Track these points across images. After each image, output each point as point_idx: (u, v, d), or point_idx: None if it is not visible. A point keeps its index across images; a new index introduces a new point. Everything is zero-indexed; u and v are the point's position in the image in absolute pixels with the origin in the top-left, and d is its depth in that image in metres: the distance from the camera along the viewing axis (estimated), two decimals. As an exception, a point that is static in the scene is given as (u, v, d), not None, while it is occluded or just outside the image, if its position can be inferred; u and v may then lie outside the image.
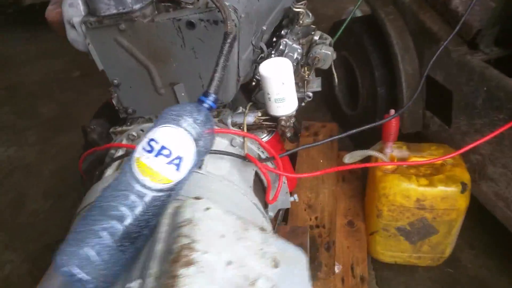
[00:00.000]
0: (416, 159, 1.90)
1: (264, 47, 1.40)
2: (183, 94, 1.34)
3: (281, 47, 1.63)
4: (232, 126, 1.43)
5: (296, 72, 1.67)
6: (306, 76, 1.63)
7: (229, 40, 1.03)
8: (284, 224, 1.84)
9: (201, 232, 0.78)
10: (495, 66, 1.88)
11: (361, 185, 2.26)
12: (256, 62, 1.46)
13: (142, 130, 1.37)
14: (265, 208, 1.50)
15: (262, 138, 1.49)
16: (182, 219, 0.81)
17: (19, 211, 2.56)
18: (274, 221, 1.90)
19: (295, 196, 1.54)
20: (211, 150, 1.26)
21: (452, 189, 1.80)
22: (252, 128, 1.45)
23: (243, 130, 1.38)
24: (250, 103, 1.49)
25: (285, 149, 1.69)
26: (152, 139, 0.88)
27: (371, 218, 1.99)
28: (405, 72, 2.24)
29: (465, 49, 2.00)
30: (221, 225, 0.83)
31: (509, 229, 1.90)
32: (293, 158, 2.19)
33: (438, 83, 2.13)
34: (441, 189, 1.80)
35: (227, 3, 1.17)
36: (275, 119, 1.40)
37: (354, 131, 1.53)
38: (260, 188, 1.45)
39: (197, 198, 0.87)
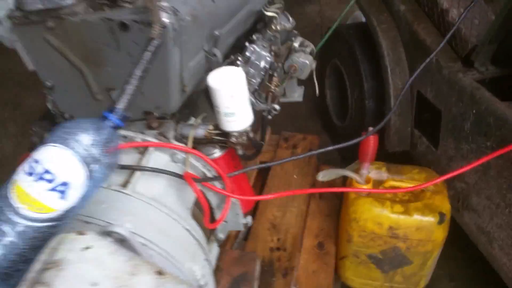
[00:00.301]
0: (394, 183, 1.75)
1: (218, 54, 1.27)
2: (122, 101, 1.21)
3: (247, 53, 1.49)
4: (180, 139, 1.30)
5: (263, 82, 1.53)
6: (273, 87, 1.49)
7: (151, 47, 0.90)
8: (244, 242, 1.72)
9: (65, 279, 0.66)
10: (489, 87, 1.71)
11: (339, 203, 2.11)
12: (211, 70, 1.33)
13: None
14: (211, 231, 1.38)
15: (212, 154, 1.36)
16: (50, 260, 0.69)
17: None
18: (233, 238, 1.77)
19: (248, 218, 1.41)
20: (142, 166, 1.14)
21: (428, 219, 1.64)
22: (202, 142, 1.32)
23: (187, 144, 1.25)
24: (204, 115, 1.35)
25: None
26: (35, 160, 0.76)
27: (342, 242, 1.84)
28: (394, 86, 2.08)
29: (458, 66, 1.83)
30: (99, 269, 0.70)
31: (492, 265, 1.74)
32: (265, 170, 2.05)
33: (428, 100, 1.97)
34: (416, 218, 1.64)
35: (165, 4, 1.04)
36: (227, 134, 1.27)
37: (327, 148, 1.40)
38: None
39: (80, 233, 0.75)
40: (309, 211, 1.96)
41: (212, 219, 1.35)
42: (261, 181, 2.05)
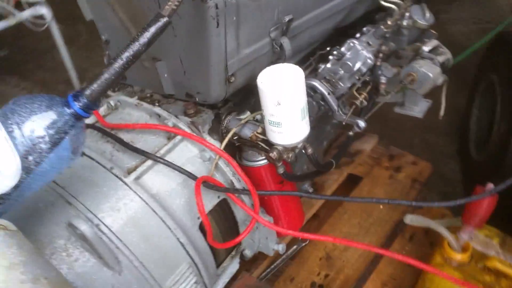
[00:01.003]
0: (501, 267, 1.27)
1: (287, 45, 0.99)
2: (165, 75, 1.05)
3: (343, 48, 1.17)
4: (224, 132, 1.10)
5: (355, 88, 1.20)
6: (360, 98, 1.15)
7: (152, 27, 0.69)
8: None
9: None
10: None
11: (432, 253, 1.68)
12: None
13: (119, 102, 1.15)
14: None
15: (256, 161, 1.12)
16: None
17: None
18: (278, 256, 1.53)
19: (281, 246, 1.16)
20: (155, 156, 0.98)
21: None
22: (247, 144, 1.09)
23: (222, 143, 1.04)
24: (260, 112, 1.11)
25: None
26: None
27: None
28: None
29: None
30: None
31: None
32: (355, 179, 1.70)
33: None
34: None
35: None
36: (270, 145, 1.01)
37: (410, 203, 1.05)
38: (228, 220, 1.12)
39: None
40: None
41: (236, 233, 1.14)
42: (345, 191, 1.72)
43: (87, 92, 0.66)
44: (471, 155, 2.17)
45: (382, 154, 1.86)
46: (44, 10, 2.77)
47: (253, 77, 1.04)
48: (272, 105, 0.91)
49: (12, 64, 3.66)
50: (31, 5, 2.76)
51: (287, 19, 0.95)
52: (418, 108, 1.63)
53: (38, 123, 0.64)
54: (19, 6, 2.74)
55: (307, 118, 0.97)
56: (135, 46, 0.68)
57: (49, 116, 0.65)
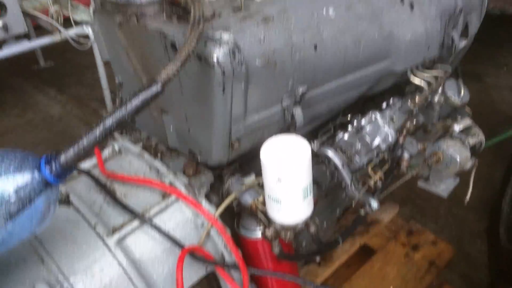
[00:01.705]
0: None
1: (299, 116, 0.92)
2: (171, 128, 1.01)
3: (362, 121, 1.09)
4: (224, 194, 1.03)
5: (372, 164, 1.11)
6: (376, 178, 1.05)
7: (140, 95, 0.64)
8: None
9: None
10: None
11: None
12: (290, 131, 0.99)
13: (123, 147, 1.11)
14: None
15: (253, 231, 1.04)
16: None
17: None
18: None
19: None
20: (142, 218, 0.91)
21: None
22: (246, 211, 1.02)
23: (219, 207, 0.97)
24: (266, 178, 1.04)
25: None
26: None
27: None
28: None
29: None
30: None
31: None
32: (368, 251, 1.58)
33: None
34: None
35: (225, 36, 0.76)
36: (269, 219, 0.94)
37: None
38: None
39: None
40: None
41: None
42: (356, 264, 1.60)
43: (62, 158, 0.61)
44: (501, 240, 1.99)
45: (400, 227, 1.73)
46: (89, 30, 2.86)
47: (261, 143, 0.97)
48: (273, 181, 0.83)
49: (54, 76, 3.78)
50: (77, 23, 2.86)
51: (301, 90, 0.89)
52: (443, 186, 1.51)
53: (2, 185, 0.59)
54: (67, 22, 2.84)
55: (310, 197, 0.89)
56: (120, 114, 0.63)
57: (16, 180, 0.60)
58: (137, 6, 0.88)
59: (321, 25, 0.89)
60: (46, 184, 0.61)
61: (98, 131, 0.62)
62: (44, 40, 2.74)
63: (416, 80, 1.09)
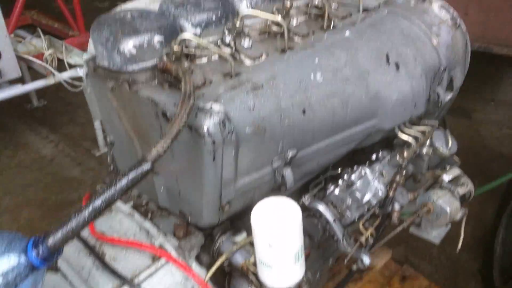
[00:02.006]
0: None
1: (289, 177, 0.93)
2: (162, 189, 1.01)
3: (352, 176, 1.10)
4: (214, 255, 1.02)
5: (362, 219, 1.11)
6: (367, 234, 1.06)
7: (134, 171, 0.65)
8: None
9: None
10: None
11: None
12: (278, 190, 1.00)
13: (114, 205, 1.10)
14: None
15: (245, 292, 1.03)
16: None
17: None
18: None
19: None
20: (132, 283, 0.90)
21: None
22: (237, 271, 1.01)
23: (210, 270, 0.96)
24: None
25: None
26: None
27: None
28: None
29: None
30: None
31: None
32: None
33: None
34: None
35: (216, 107, 0.78)
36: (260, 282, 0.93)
37: None
38: None
39: None
40: None
41: None
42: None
43: (50, 241, 0.61)
44: (495, 283, 1.98)
45: (394, 272, 1.72)
46: (83, 72, 2.89)
47: (252, 203, 0.97)
48: (263, 246, 0.83)
49: (47, 115, 3.78)
50: (71, 66, 2.89)
51: (290, 154, 0.90)
52: (435, 233, 1.52)
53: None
54: (61, 63, 2.87)
55: (301, 260, 0.88)
56: (109, 194, 0.63)
57: (2, 264, 0.59)
58: (129, 73, 0.90)
59: (309, 90, 0.91)
60: (32, 268, 0.61)
61: (87, 212, 0.62)
62: (38, 84, 2.77)
63: (404, 137, 1.11)
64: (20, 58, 2.70)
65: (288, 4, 1.04)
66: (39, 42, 2.93)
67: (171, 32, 0.91)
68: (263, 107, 0.85)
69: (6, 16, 2.78)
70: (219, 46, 0.96)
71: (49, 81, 2.80)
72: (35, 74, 3.11)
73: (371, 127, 1.05)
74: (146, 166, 0.66)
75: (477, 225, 2.32)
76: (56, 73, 2.75)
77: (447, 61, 1.14)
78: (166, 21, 0.92)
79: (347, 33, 1.05)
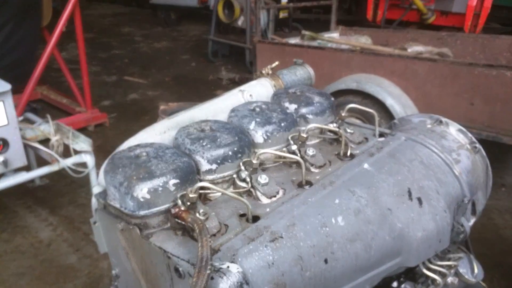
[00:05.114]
0: None
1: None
2: None
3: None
4: None
5: None
6: None
7: None
8: None
9: None
10: None
11: None
12: None
13: None
14: None
15: None
16: None
17: None
18: None
19: None
20: None
21: None
22: None
23: None
24: None
25: None
26: None
27: None
28: None
29: None
30: None
31: None
32: None
33: None
34: None
35: (234, 269, 0.72)
36: None
37: None
38: None
39: None
40: None
41: None
42: None
43: None
44: None
45: None
46: (88, 158, 2.87)
47: None
48: None
49: (48, 195, 3.73)
50: (76, 151, 2.88)
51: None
52: None
53: None
54: (66, 149, 2.86)
55: None
56: None
57: None
58: (141, 217, 0.85)
59: (331, 236, 0.85)
60: None
61: None
62: (43, 170, 2.74)
63: (429, 273, 1.04)
64: (27, 145, 2.70)
65: (304, 135, 1.02)
66: (47, 127, 2.95)
67: (187, 172, 0.88)
68: (283, 261, 0.79)
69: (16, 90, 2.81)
70: (234, 183, 0.93)
71: (54, 167, 2.78)
72: (40, 158, 3.09)
73: (395, 265, 0.98)
74: None
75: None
76: (60, 160, 2.74)
77: (470, 188, 1.10)
78: (181, 161, 0.89)
79: (365, 165, 1.01)
